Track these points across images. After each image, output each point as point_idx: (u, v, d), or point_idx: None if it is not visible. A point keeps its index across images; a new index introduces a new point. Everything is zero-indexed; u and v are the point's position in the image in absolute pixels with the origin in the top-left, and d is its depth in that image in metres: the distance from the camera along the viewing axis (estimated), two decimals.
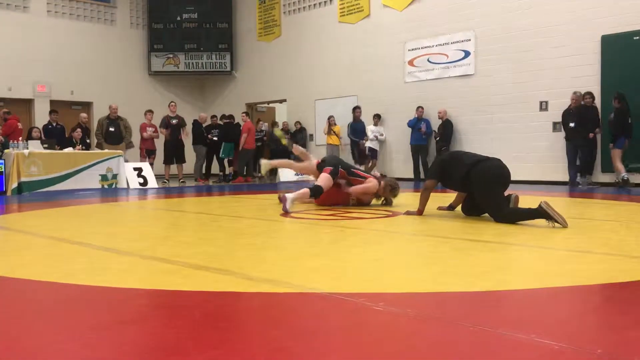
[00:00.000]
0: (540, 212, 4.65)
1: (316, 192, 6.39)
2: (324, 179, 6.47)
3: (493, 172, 5.13)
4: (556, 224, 4.56)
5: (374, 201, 6.82)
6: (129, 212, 7.17)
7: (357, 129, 13.73)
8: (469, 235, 4.45)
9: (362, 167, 7.75)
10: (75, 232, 4.89)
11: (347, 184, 6.76)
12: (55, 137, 12.03)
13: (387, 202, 6.79)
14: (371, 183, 6.66)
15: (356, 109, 13.81)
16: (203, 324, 2.05)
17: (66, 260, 3.49)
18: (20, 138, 10.88)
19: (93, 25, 16.49)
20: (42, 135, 11.96)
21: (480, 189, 5.16)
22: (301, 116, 15.78)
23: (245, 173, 14.44)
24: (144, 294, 2.58)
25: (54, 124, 12.82)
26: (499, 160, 5.29)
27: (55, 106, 15.15)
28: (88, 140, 12.67)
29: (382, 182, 6.71)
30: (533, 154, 11.16)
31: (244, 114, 14.82)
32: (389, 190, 6.68)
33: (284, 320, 2.17)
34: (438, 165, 5.69)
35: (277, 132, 11.61)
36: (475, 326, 1.98)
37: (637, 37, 10.09)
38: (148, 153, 13.26)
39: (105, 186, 10.96)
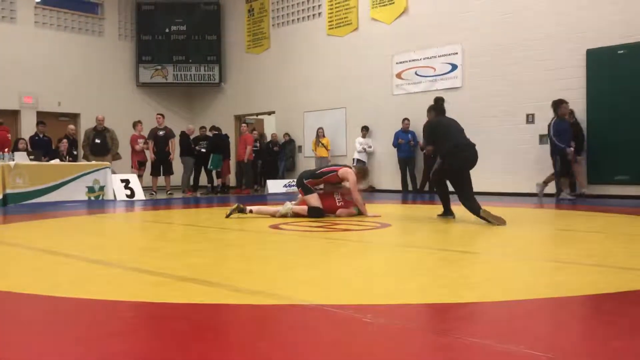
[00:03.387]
0: (483, 217, 5.73)
1: (317, 214, 6.56)
2: (313, 198, 6.57)
3: (470, 163, 6.10)
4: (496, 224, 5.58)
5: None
6: (115, 224, 7.12)
7: (562, 130, 9.92)
8: (457, 247, 4.46)
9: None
10: (61, 244, 4.84)
11: (335, 190, 6.85)
12: (42, 148, 11.96)
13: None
14: (350, 175, 6.75)
15: (561, 104, 9.91)
16: (190, 336, 2.03)
17: (51, 272, 3.45)
18: (7, 149, 10.79)
19: (81, 36, 16.44)
20: (29, 147, 11.87)
21: (455, 175, 6.10)
22: (290, 128, 15.80)
23: (244, 185, 14.46)
24: (130, 306, 2.56)
25: (41, 135, 12.74)
26: (474, 148, 6.16)
27: (42, 117, 15.06)
28: (75, 152, 12.59)
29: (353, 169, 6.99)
30: (521, 166, 11.23)
31: (244, 125, 14.84)
32: (362, 175, 7.04)
33: (272, 332, 2.16)
34: (429, 132, 6.46)
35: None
36: (464, 337, 1.98)
37: (622, 51, 10.23)
38: (139, 164, 13.20)
39: (92, 198, 10.87)
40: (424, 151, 12.55)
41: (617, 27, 10.25)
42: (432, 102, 6.74)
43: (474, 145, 6.22)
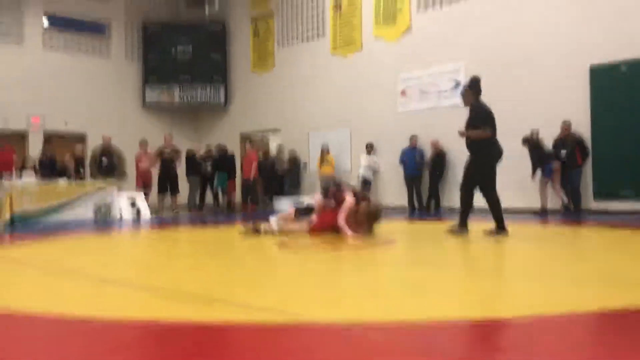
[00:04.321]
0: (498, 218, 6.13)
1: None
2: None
3: (499, 157, 6.34)
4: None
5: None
6: (122, 243, 7.14)
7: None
8: (464, 264, 4.46)
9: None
10: (68, 263, 4.86)
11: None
12: (47, 169, 12.04)
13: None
14: (348, 199, 6.58)
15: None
16: (195, 353, 2.04)
17: (58, 290, 3.47)
18: (13, 170, 10.86)
19: (88, 57, 16.62)
20: (37, 167, 11.96)
21: (490, 167, 6.31)
22: (295, 146, 15.84)
23: (249, 202, 14.49)
24: (135, 324, 2.57)
25: (48, 155, 12.82)
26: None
27: (50, 138, 15.19)
28: (82, 172, 12.65)
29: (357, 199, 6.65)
30: (526, 182, 11.19)
31: (249, 144, 14.90)
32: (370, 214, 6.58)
33: (278, 349, 2.16)
34: (490, 118, 6.33)
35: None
36: (473, 355, 1.98)
37: (625, 67, 10.26)
38: (144, 184, 13.24)
39: (99, 217, 10.91)
40: (430, 168, 12.67)
41: (619, 44, 10.29)
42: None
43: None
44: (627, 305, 2.72)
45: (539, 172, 10.80)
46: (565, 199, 10.46)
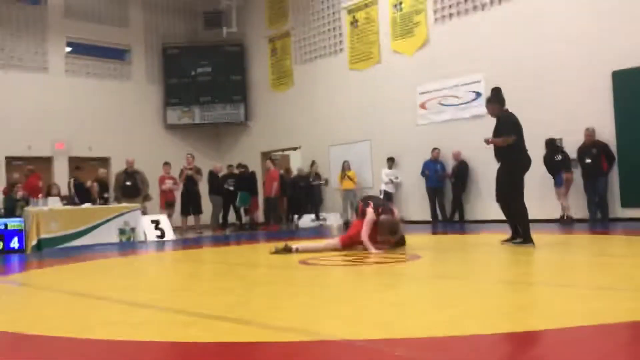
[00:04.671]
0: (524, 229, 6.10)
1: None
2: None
3: (528, 165, 6.35)
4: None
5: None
6: (146, 265, 7.18)
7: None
8: (489, 277, 4.39)
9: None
10: (94, 286, 4.90)
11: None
12: (82, 193, 12.33)
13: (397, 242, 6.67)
14: (368, 214, 6.53)
15: None
16: None
17: (84, 314, 3.49)
18: (40, 195, 11.04)
19: (110, 82, 16.90)
20: (73, 193, 12.24)
21: (519, 175, 6.24)
22: (315, 163, 15.85)
23: (273, 221, 14.53)
24: (160, 347, 2.56)
25: (79, 180, 13.04)
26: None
27: (74, 162, 15.43)
28: (106, 195, 12.81)
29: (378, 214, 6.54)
30: (549, 192, 11.02)
31: (269, 162, 14.91)
32: (386, 227, 6.45)
33: None
34: (516, 126, 6.33)
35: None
36: None
37: None
38: (167, 205, 13.35)
39: (124, 240, 11.01)
40: (452, 180, 12.58)
41: None
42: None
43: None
44: None
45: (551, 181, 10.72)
46: (568, 211, 10.51)
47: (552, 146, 10.75)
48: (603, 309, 2.89)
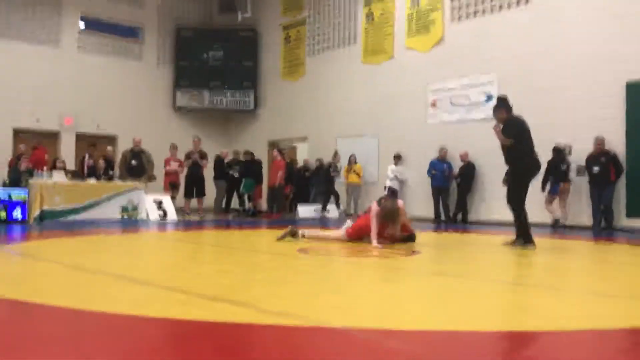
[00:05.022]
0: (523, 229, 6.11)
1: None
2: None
3: (537, 168, 6.45)
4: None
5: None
6: (147, 244, 7.20)
7: None
8: (488, 276, 4.37)
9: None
10: (94, 261, 4.90)
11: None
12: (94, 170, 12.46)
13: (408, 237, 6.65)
14: (372, 207, 6.49)
15: None
16: (215, 355, 2.01)
17: (83, 287, 3.49)
18: (45, 168, 11.07)
19: (121, 60, 16.89)
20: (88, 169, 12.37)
21: (525, 178, 6.32)
22: (322, 154, 15.81)
23: (276, 209, 14.51)
24: (157, 323, 2.56)
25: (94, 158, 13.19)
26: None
27: (81, 139, 15.45)
28: (111, 172, 12.82)
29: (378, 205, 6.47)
30: (540, 197, 10.95)
31: (275, 151, 14.81)
32: (386, 215, 6.39)
33: (295, 353, 2.13)
34: (515, 126, 6.36)
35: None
36: None
37: None
38: (172, 186, 13.36)
39: (126, 217, 11.03)
40: (458, 180, 12.53)
41: None
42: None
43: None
44: None
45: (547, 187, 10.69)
46: (560, 218, 10.61)
47: (560, 154, 10.71)
48: (601, 314, 2.87)
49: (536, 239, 6.17)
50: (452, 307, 3.03)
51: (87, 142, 14.86)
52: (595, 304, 3.17)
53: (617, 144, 10.40)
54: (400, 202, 6.77)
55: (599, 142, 10.35)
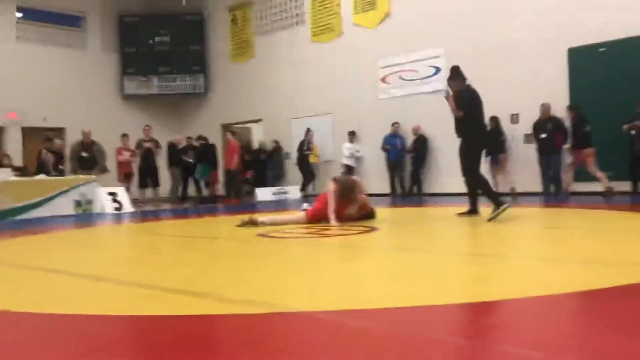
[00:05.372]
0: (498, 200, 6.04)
1: None
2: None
3: (487, 141, 6.61)
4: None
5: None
6: (103, 238, 7.07)
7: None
8: (445, 248, 4.47)
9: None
10: (47, 259, 4.79)
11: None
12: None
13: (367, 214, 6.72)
14: (330, 186, 6.55)
15: None
16: (178, 349, 2.01)
17: (36, 288, 3.41)
18: None
19: (64, 50, 16.36)
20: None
21: (477, 150, 6.43)
22: (277, 136, 15.78)
23: (233, 194, 14.38)
24: (116, 321, 2.53)
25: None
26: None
27: (28, 133, 14.96)
28: (61, 167, 12.48)
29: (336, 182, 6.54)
30: (507, 165, 11.26)
31: (229, 134, 14.62)
32: (343, 190, 6.46)
33: (261, 341, 2.14)
34: (467, 100, 6.42)
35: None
36: (453, 339, 1.97)
37: (603, 49, 10.33)
38: (126, 176, 13.12)
39: (80, 212, 10.79)
40: (412, 154, 12.69)
41: (597, 26, 10.35)
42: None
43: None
44: (606, 284, 2.74)
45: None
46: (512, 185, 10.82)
47: (497, 125, 10.93)
48: (555, 279, 2.98)
49: (488, 208, 6.31)
50: (413, 282, 3.09)
51: (39, 137, 14.38)
52: (548, 270, 3.28)
53: (563, 109, 10.69)
54: (357, 178, 6.80)
55: (545, 109, 10.62)
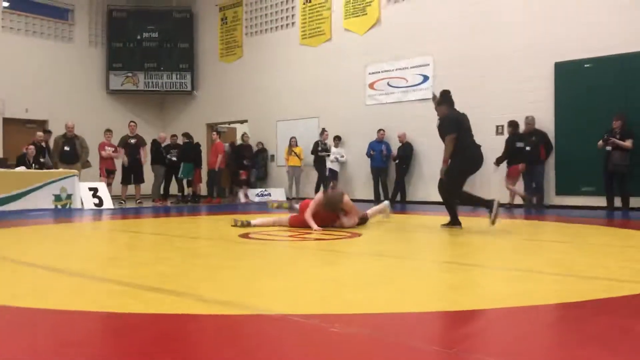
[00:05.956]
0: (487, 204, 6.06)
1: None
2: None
3: (476, 162, 6.49)
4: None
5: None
6: (81, 233, 6.98)
7: None
8: (425, 256, 4.48)
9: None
10: (24, 253, 4.72)
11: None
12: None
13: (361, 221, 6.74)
14: (316, 197, 6.56)
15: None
16: (153, 347, 1.98)
17: (10, 281, 3.36)
18: None
19: (50, 42, 16.18)
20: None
21: (463, 173, 6.44)
22: (262, 137, 15.74)
23: (216, 194, 14.31)
24: (91, 317, 2.49)
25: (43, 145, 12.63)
26: (479, 149, 6.50)
27: (9, 124, 14.76)
28: (42, 160, 12.32)
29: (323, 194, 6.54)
30: (490, 177, 11.32)
31: (215, 133, 14.54)
32: (327, 205, 6.42)
33: (237, 343, 2.12)
34: (455, 122, 6.40)
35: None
36: (429, 347, 1.97)
37: (588, 65, 10.45)
38: (108, 173, 13.00)
39: (59, 206, 10.66)
40: (396, 161, 12.72)
41: (583, 42, 10.47)
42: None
43: (479, 146, 6.53)
44: (582, 297, 2.76)
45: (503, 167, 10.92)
46: (526, 195, 10.54)
47: (516, 131, 10.89)
48: (531, 290, 2.99)
49: (478, 219, 6.34)
50: (392, 288, 3.09)
51: (20, 128, 14.21)
52: (526, 281, 3.30)
53: (547, 123, 10.81)
54: (346, 196, 6.73)
55: (529, 121, 10.72)
